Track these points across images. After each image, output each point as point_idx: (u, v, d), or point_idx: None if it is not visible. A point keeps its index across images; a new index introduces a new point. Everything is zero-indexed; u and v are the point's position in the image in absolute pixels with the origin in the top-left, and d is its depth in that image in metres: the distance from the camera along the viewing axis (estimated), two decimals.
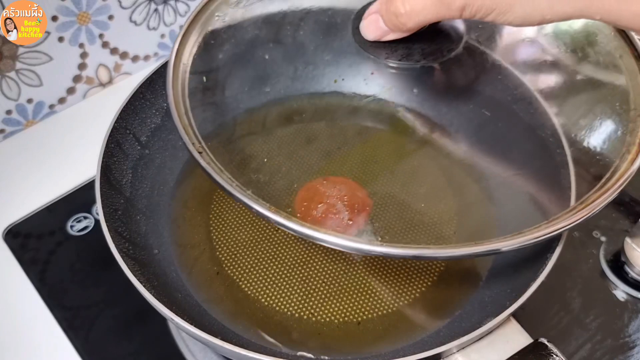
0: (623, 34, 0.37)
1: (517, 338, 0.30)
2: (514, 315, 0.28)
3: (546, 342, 0.29)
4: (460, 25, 0.36)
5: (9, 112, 0.48)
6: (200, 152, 0.29)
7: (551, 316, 0.39)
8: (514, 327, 0.30)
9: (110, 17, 0.49)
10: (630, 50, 0.36)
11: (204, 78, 0.34)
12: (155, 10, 0.52)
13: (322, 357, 0.31)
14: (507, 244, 0.26)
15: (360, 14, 0.36)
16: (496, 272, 0.34)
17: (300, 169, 0.36)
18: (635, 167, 0.30)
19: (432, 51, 0.35)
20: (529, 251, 0.32)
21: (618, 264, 0.41)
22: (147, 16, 0.51)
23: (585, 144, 0.34)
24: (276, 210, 0.26)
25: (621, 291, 0.40)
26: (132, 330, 0.38)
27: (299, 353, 0.31)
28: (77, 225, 0.43)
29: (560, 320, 0.39)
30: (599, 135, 0.34)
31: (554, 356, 0.28)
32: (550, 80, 0.37)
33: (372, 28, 0.33)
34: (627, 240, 0.41)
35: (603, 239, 0.43)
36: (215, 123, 0.34)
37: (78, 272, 0.41)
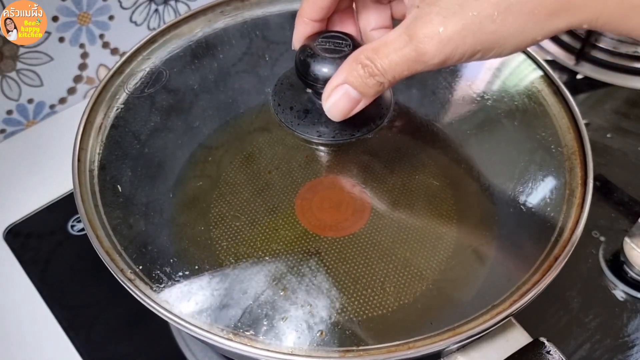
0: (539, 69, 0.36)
1: (517, 337, 0.30)
2: (514, 314, 0.28)
3: (545, 341, 0.29)
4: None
5: (9, 112, 0.48)
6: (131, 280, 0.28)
7: (550, 315, 0.39)
8: (514, 326, 0.30)
9: (111, 18, 0.49)
10: (546, 81, 0.36)
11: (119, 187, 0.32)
12: (156, 10, 0.52)
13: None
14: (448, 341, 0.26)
15: (278, 89, 0.34)
16: (498, 269, 0.33)
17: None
18: (585, 213, 0.29)
19: (364, 121, 0.33)
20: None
21: (617, 263, 0.41)
22: (147, 16, 0.52)
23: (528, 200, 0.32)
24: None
25: (620, 291, 0.40)
26: (132, 329, 0.38)
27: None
28: (77, 225, 0.43)
29: (559, 320, 0.39)
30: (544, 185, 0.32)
31: (554, 355, 0.28)
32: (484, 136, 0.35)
33: (344, 102, 0.28)
34: (626, 239, 0.41)
35: (602, 238, 0.43)
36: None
37: (78, 272, 0.41)
